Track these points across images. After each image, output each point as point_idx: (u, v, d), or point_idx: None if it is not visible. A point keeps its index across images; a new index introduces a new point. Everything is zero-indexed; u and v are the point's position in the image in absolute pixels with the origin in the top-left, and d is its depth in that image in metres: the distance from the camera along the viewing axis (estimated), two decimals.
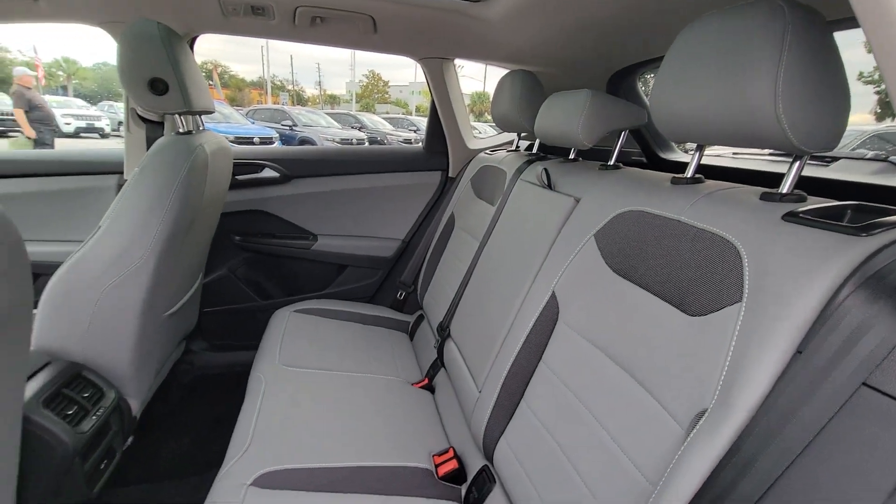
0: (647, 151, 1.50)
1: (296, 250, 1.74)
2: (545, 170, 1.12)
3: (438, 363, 1.32)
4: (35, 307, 0.96)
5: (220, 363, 1.71)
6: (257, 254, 1.73)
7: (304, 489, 0.84)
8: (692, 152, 0.77)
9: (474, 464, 0.97)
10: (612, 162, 1.04)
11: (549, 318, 0.86)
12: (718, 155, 1.36)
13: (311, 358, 1.29)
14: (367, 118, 14.31)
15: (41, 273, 1.04)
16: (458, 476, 0.97)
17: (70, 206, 1.52)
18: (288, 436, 0.96)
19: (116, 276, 0.99)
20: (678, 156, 1.47)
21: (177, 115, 1.15)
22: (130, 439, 1.20)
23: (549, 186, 1.10)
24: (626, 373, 0.65)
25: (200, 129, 1.30)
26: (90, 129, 11.17)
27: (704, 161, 0.77)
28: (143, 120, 1.45)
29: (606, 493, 0.61)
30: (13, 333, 0.65)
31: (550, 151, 1.40)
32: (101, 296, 0.99)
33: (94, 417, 0.95)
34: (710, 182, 0.75)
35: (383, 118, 15.53)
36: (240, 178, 1.63)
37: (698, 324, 0.58)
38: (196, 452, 1.38)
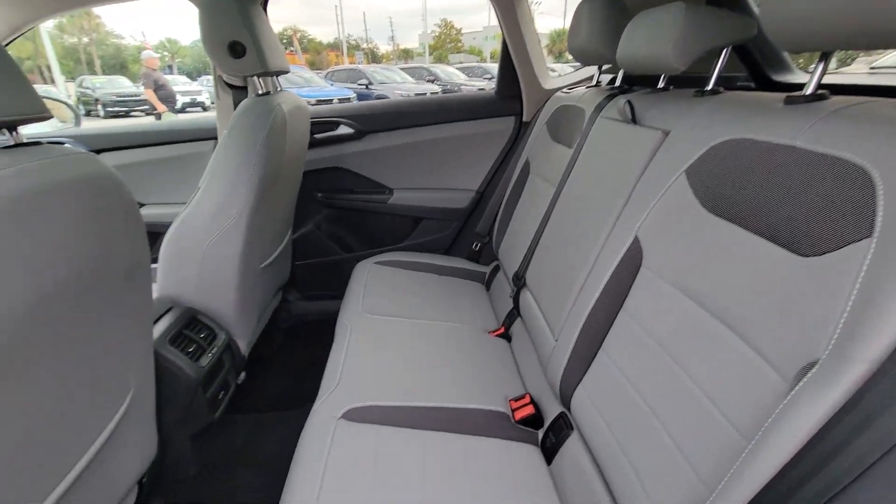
0: (756, 73, 1.28)
1: (373, 204, 1.79)
2: (628, 102, 1.01)
3: (515, 312, 1.31)
4: (155, 262, 1.11)
5: (312, 311, 1.87)
6: (338, 209, 1.81)
7: (387, 424, 0.90)
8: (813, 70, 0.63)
9: (551, 410, 0.97)
10: (710, 87, 0.91)
11: (631, 265, 0.80)
12: (852, 74, 1.13)
13: (392, 306, 1.35)
14: (440, 70, 14.04)
15: (160, 232, 1.18)
16: (534, 421, 0.98)
17: (176, 171, 1.70)
18: (372, 376, 1.03)
19: (216, 232, 1.10)
20: (796, 76, 1.24)
21: (255, 77, 1.20)
22: (243, 375, 1.37)
23: (634, 120, 0.99)
24: (719, 321, 0.59)
25: (279, 89, 1.35)
26: (194, 104, 12.27)
27: (831, 80, 0.64)
28: (229, 86, 1.54)
29: (692, 445, 0.58)
30: (138, 281, 0.75)
31: (637, 83, 1.26)
32: (205, 250, 1.11)
33: (209, 355, 1.10)
34: (836, 98, 0.62)
35: (457, 68, 15.13)
36: (318, 136, 1.69)
37: (811, 265, 0.50)
38: (296, 388, 1.55)
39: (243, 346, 1.27)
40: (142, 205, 1.71)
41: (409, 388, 1.00)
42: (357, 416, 0.91)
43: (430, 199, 1.80)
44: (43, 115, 0.58)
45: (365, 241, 1.87)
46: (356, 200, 1.79)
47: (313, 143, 1.67)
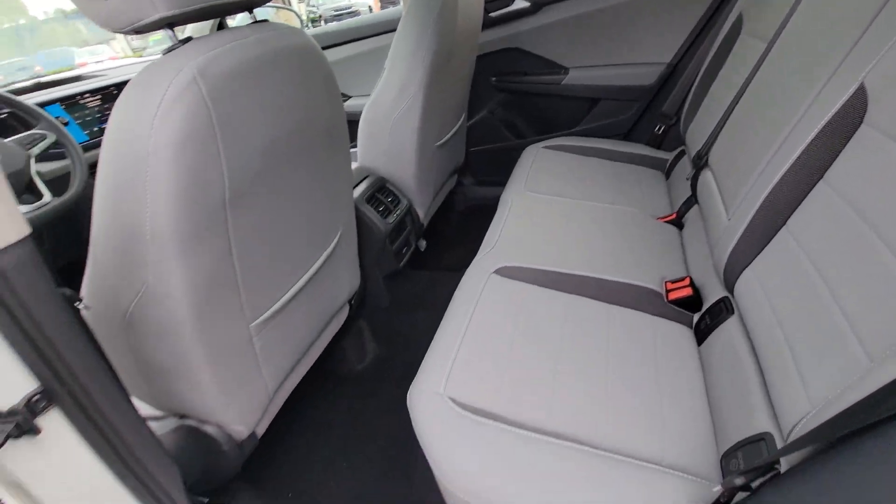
0: None
1: (546, 86, 1.72)
2: None
3: (692, 199, 1.18)
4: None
5: (484, 196, 2.00)
6: (512, 93, 1.80)
7: (535, 284, 0.98)
8: None
9: (713, 295, 0.90)
10: None
11: (846, 122, 0.64)
12: None
13: (555, 187, 1.36)
14: None
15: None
16: (690, 304, 0.93)
17: (377, 63, 1.90)
18: (526, 242, 1.10)
19: (399, 108, 1.25)
20: None
21: None
22: (423, 243, 1.61)
23: None
24: None
25: None
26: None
27: None
28: None
29: (875, 336, 0.49)
30: (336, 141, 0.93)
31: None
32: (390, 127, 1.28)
33: (395, 215, 1.32)
34: None
35: None
36: (492, 14, 1.65)
37: None
38: (467, 256, 1.74)
39: (421, 214, 1.47)
40: (348, 97, 2.00)
41: (561, 255, 1.04)
42: (508, 273, 1.01)
43: (610, 76, 1.64)
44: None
45: (537, 126, 1.85)
46: (529, 83, 1.75)
47: (487, 23, 1.65)
